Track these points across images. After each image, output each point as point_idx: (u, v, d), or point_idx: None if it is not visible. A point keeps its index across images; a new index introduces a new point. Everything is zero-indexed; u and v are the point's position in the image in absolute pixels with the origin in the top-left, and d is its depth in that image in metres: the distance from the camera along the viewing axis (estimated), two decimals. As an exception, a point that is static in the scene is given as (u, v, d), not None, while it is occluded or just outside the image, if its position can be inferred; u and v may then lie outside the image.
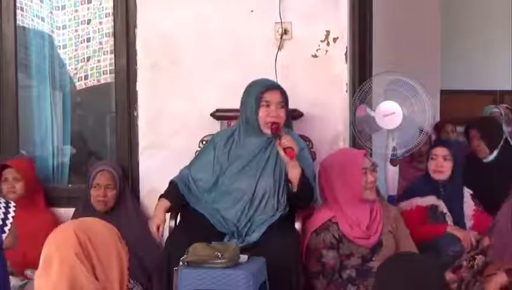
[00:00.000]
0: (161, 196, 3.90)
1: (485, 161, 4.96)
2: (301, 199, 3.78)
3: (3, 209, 3.25)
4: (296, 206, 3.83)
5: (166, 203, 3.85)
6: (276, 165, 3.80)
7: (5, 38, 4.64)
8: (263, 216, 3.75)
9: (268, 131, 3.79)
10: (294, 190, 3.73)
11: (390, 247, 3.80)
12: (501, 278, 3.32)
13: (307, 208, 3.88)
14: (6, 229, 3.21)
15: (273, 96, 3.81)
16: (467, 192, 4.37)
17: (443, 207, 4.22)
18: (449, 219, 4.22)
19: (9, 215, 3.23)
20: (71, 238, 2.11)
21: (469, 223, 4.27)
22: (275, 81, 4.03)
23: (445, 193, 4.27)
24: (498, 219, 3.60)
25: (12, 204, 3.29)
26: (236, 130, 3.92)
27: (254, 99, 3.80)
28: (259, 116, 3.80)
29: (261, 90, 3.81)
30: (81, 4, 4.89)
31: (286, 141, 3.68)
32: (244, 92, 3.89)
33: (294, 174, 3.71)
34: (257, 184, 3.78)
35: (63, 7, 4.93)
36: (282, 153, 3.68)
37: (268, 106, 3.80)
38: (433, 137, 5.58)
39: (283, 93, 3.84)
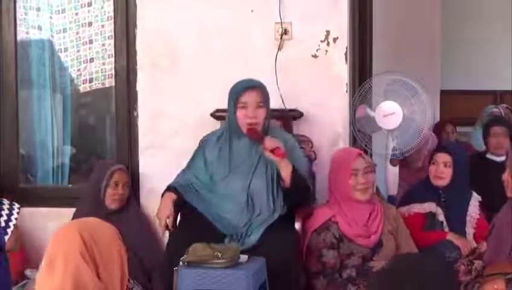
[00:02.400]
0: (165, 191, 3.87)
1: (497, 160, 4.92)
2: (295, 194, 3.77)
3: (6, 211, 3.24)
4: (294, 204, 3.82)
5: (173, 195, 3.81)
6: (268, 164, 3.79)
7: (5, 40, 4.64)
8: (261, 217, 3.75)
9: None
10: (287, 186, 3.72)
11: (391, 247, 3.80)
12: (499, 284, 3.31)
13: (306, 205, 3.88)
14: (9, 231, 3.21)
15: (250, 97, 3.78)
16: (476, 199, 4.28)
17: (441, 215, 4.18)
18: (446, 228, 4.18)
19: (13, 217, 3.22)
20: (76, 238, 2.11)
21: (471, 230, 4.20)
22: (257, 80, 3.89)
23: (446, 199, 4.22)
24: (498, 218, 3.59)
25: (16, 206, 3.28)
26: (223, 133, 3.91)
27: (232, 102, 3.80)
28: (238, 119, 3.79)
29: (237, 92, 3.79)
30: (82, 7, 4.89)
31: (269, 143, 3.68)
32: (228, 94, 3.89)
33: (285, 171, 3.70)
34: (250, 184, 3.78)
35: (63, 11, 4.93)
36: (270, 155, 3.68)
37: (244, 107, 3.78)
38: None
39: (261, 92, 3.80)
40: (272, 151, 3.67)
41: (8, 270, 3.25)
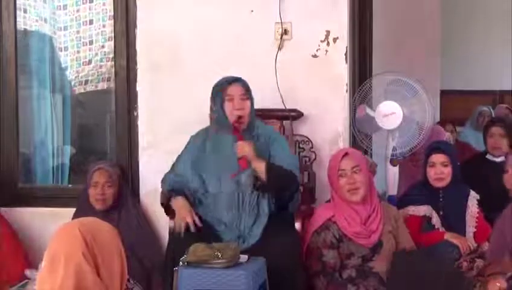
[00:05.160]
0: (170, 197, 3.85)
1: (497, 160, 4.92)
2: (275, 188, 3.77)
3: None
4: (283, 198, 3.81)
5: (183, 199, 3.80)
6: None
7: (5, 38, 4.63)
8: (259, 216, 3.76)
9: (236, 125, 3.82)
10: (264, 182, 3.73)
11: (391, 247, 3.80)
12: (502, 282, 3.31)
13: (295, 192, 3.85)
14: None
15: (235, 90, 3.84)
16: (474, 197, 4.23)
17: (435, 219, 4.15)
18: (442, 229, 4.16)
19: None
20: (77, 238, 2.11)
21: (471, 229, 4.18)
22: (239, 76, 3.93)
23: (444, 199, 4.19)
24: (500, 218, 3.60)
25: None
26: (210, 132, 3.94)
27: (218, 96, 3.85)
28: (226, 111, 3.84)
29: (222, 86, 3.85)
30: (83, 3, 4.89)
31: (239, 151, 3.75)
32: (211, 93, 3.93)
33: (258, 170, 3.73)
34: (239, 181, 3.79)
35: (65, 7, 4.94)
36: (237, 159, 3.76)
37: (231, 99, 3.83)
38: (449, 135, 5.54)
39: (244, 86, 3.86)
40: (239, 158, 3.74)
41: None
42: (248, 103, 3.85)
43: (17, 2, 4.65)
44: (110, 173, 4.23)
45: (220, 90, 3.85)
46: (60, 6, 4.94)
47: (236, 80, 3.86)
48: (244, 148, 3.75)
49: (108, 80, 4.68)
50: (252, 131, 3.88)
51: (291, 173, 3.79)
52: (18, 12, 4.68)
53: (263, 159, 3.77)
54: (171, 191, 3.87)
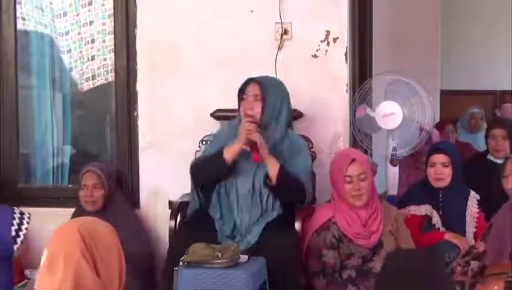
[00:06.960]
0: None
1: (498, 161, 4.91)
2: (282, 193, 3.76)
3: (17, 221, 3.26)
4: (287, 204, 3.81)
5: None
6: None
7: (6, 39, 4.64)
8: (264, 215, 3.75)
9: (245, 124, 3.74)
10: (272, 184, 3.71)
11: (391, 247, 3.79)
12: (499, 284, 3.31)
13: (304, 206, 3.86)
14: (18, 240, 3.23)
15: (250, 89, 3.82)
16: (473, 197, 4.25)
17: (436, 218, 4.16)
18: (442, 229, 4.16)
19: (23, 227, 3.24)
20: (76, 237, 2.11)
21: (471, 229, 4.18)
22: (260, 76, 3.92)
23: (444, 199, 4.19)
24: (496, 218, 3.59)
25: (26, 215, 3.30)
26: (232, 130, 3.91)
27: (239, 96, 3.85)
28: (240, 109, 3.84)
29: (241, 85, 3.84)
30: (82, 7, 4.90)
31: (243, 130, 3.69)
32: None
33: (271, 170, 3.70)
34: (254, 182, 3.78)
35: (64, 14, 4.94)
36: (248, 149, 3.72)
37: (244, 99, 3.83)
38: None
39: (262, 87, 3.81)
40: (251, 148, 3.69)
41: (12, 277, 3.28)
42: (259, 104, 3.80)
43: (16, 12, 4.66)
44: (99, 175, 4.21)
45: (240, 89, 3.85)
46: (59, 14, 4.94)
47: (253, 80, 3.84)
48: (250, 128, 3.67)
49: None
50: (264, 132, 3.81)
51: (302, 186, 3.77)
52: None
53: (278, 161, 3.73)
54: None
